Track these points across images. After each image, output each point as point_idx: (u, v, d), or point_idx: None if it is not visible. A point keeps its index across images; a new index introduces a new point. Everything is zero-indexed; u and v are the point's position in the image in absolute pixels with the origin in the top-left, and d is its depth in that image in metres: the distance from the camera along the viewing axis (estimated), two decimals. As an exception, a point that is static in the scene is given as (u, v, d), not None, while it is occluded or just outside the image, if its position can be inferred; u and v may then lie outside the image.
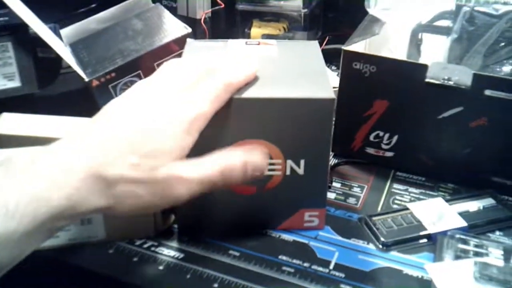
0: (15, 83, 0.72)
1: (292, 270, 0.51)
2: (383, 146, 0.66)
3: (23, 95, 0.73)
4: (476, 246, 0.51)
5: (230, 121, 0.50)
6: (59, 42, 0.75)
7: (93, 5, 0.99)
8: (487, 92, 0.58)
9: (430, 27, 0.70)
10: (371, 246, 0.54)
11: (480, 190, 0.61)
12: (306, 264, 0.52)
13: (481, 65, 0.64)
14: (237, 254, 0.53)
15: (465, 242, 0.52)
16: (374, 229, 0.55)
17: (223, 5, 0.93)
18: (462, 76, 0.58)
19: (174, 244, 0.54)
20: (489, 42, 0.64)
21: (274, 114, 0.50)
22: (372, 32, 0.69)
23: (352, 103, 0.65)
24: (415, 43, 0.71)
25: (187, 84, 0.45)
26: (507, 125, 0.59)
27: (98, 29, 0.79)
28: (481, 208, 0.58)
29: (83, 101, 0.68)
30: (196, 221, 0.56)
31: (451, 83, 0.59)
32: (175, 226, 0.56)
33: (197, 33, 0.88)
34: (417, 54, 0.71)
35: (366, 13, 0.72)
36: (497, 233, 0.56)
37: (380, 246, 0.54)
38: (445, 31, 0.68)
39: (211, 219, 0.55)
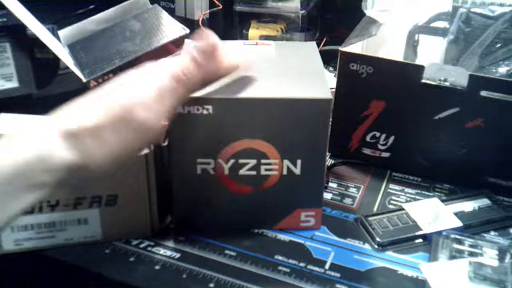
0: (13, 84, 0.73)
1: (288, 270, 0.51)
2: (380, 147, 0.66)
3: (21, 96, 0.73)
4: (471, 246, 0.51)
5: (228, 121, 0.50)
6: (57, 43, 0.76)
7: (91, 6, 1.00)
8: (483, 93, 0.58)
9: (426, 28, 0.71)
10: (366, 246, 0.54)
11: (476, 190, 0.61)
12: (302, 264, 0.52)
13: (477, 66, 0.65)
14: (233, 254, 0.53)
15: (460, 242, 0.52)
16: (370, 229, 0.55)
17: (221, 6, 0.93)
18: (458, 77, 0.59)
19: (171, 244, 0.54)
20: (485, 44, 0.64)
21: (271, 114, 0.50)
22: (369, 33, 0.69)
23: (349, 104, 0.65)
24: (412, 44, 0.72)
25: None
26: (503, 126, 0.59)
27: (96, 30, 0.79)
28: (476, 208, 0.58)
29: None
30: (193, 221, 0.56)
31: (447, 84, 0.59)
32: (172, 226, 0.56)
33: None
34: (413, 55, 0.72)
35: (364, 14, 0.72)
36: (492, 233, 0.56)
37: (376, 246, 0.54)
38: (442, 32, 0.69)
39: (207, 219, 0.56)
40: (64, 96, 0.45)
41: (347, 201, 0.61)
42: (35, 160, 0.39)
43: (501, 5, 0.64)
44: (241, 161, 0.52)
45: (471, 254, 0.50)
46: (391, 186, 0.64)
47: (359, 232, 0.56)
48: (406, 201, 0.61)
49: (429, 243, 0.53)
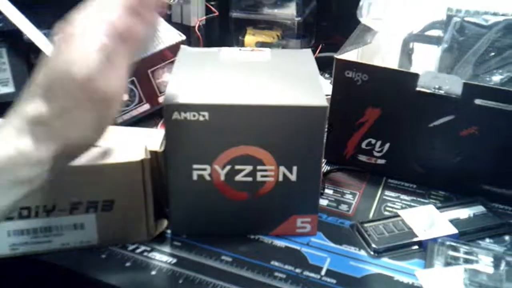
0: (9, 89, 0.73)
1: (284, 276, 0.51)
2: (375, 154, 0.66)
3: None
4: (466, 253, 0.52)
5: (224, 127, 0.50)
6: (53, 48, 0.76)
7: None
8: (477, 101, 0.58)
9: (421, 37, 0.71)
10: (362, 252, 0.54)
11: (471, 197, 0.62)
12: (298, 270, 0.52)
13: (471, 74, 0.65)
14: (229, 259, 0.53)
15: (455, 249, 0.52)
16: (366, 235, 0.56)
17: (217, 13, 0.94)
18: (453, 85, 0.59)
19: (167, 249, 0.54)
20: (479, 52, 0.65)
21: (267, 121, 0.50)
22: (364, 41, 0.69)
23: (344, 111, 0.65)
24: (407, 52, 0.72)
25: None
26: (497, 134, 0.59)
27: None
28: (472, 215, 0.59)
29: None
30: (189, 227, 0.56)
31: (442, 92, 0.60)
32: (168, 231, 0.56)
33: (191, 40, 0.89)
34: (408, 63, 0.72)
35: (359, 21, 0.73)
36: (487, 240, 0.56)
37: (372, 253, 0.54)
38: (436, 41, 0.69)
39: (203, 225, 0.56)
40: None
41: (343, 207, 0.61)
42: (15, 156, 0.39)
43: (495, 14, 0.65)
44: (237, 167, 0.52)
45: (467, 261, 0.51)
46: (387, 192, 0.64)
47: (355, 238, 0.56)
48: (402, 208, 0.61)
49: (425, 250, 0.54)
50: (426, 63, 0.70)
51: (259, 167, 0.52)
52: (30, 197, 0.48)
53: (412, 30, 0.71)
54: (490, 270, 0.50)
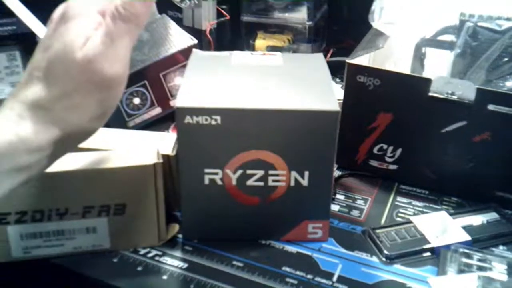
0: (22, 92, 0.73)
1: (296, 282, 0.51)
2: (387, 159, 0.66)
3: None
4: (479, 260, 0.51)
5: (236, 131, 0.50)
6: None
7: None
8: (491, 107, 0.58)
9: (433, 42, 0.71)
10: (374, 258, 0.54)
11: (484, 204, 0.61)
12: (309, 276, 0.52)
13: (484, 80, 0.65)
14: (240, 264, 0.53)
15: (468, 256, 0.52)
16: (378, 241, 0.55)
17: (228, 17, 0.94)
18: (466, 90, 0.59)
19: (178, 254, 0.54)
20: (492, 57, 0.65)
21: (279, 126, 0.50)
22: (376, 46, 0.69)
23: (356, 116, 0.65)
24: (419, 57, 0.72)
25: None
26: (510, 140, 0.59)
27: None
28: (485, 222, 0.58)
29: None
30: (200, 231, 0.56)
31: (454, 97, 0.59)
32: (179, 235, 0.56)
33: (202, 44, 0.89)
34: (420, 68, 0.72)
35: (370, 25, 0.73)
36: (501, 247, 0.56)
37: (384, 259, 0.54)
38: (449, 45, 0.69)
39: (214, 229, 0.56)
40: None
41: (355, 213, 0.61)
42: (16, 142, 0.38)
43: (508, 19, 0.64)
44: (249, 171, 0.52)
45: (480, 268, 0.50)
46: (399, 198, 0.64)
47: (367, 244, 0.56)
48: (414, 214, 0.61)
49: (437, 257, 0.53)
50: (438, 68, 0.69)
51: (270, 172, 0.52)
52: (43, 201, 0.49)
53: (425, 35, 0.71)
54: (504, 277, 0.49)
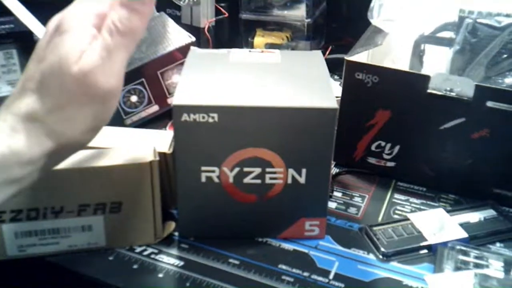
0: (19, 90, 0.73)
1: (292, 280, 0.51)
2: (385, 156, 0.66)
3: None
4: (476, 257, 0.51)
5: (233, 129, 0.50)
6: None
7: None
8: (489, 104, 0.58)
9: (432, 38, 0.71)
10: (371, 256, 0.54)
11: (481, 201, 0.61)
12: (306, 274, 0.51)
13: (483, 76, 0.64)
14: (237, 262, 0.53)
15: (465, 253, 0.52)
16: (375, 239, 0.55)
17: (226, 14, 0.93)
18: (464, 87, 0.59)
19: (174, 251, 0.54)
20: (491, 54, 0.64)
21: (276, 123, 0.50)
22: (375, 43, 0.69)
23: (354, 113, 0.65)
24: (418, 54, 0.72)
25: None
26: (509, 137, 0.59)
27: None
28: (482, 219, 0.58)
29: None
30: (197, 229, 0.56)
31: (453, 94, 0.59)
32: (175, 233, 0.56)
33: (200, 41, 0.89)
34: (419, 65, 0.72)
35: (369, 23, 0.72)
36: (498, 244, 0.56)
37: (380, 257, 0.54)
38: (448, 42, 0.69)
39: (211, 227, 0.55)
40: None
41: (352, 210, 0.61)
42: (8, 155, 0.38)
43: (508, 16, 0.64)
44: (246, 169, 0.52)
45: (477, 265, 0.50)
46: (396, 195, 0.64)
47: (364, 242, 0.56)
48: (411, 211, 0.61)
49: (434, 254, 0.53)
50: (437, 65, 0.69)
51: (268, 170, 0.52)
52: (38, 199, 0.49)
53: (424, 31, 0.71)
54: (501, 275, 0.49)
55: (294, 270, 0.52)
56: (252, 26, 0.96)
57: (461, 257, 0.51)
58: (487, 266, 0.50)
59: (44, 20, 0.74)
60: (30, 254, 0.52)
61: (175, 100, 0.50)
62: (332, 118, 0.50)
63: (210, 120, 0.50)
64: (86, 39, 0.39)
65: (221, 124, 0.50)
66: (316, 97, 0.51)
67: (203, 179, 0.52)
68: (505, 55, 0.64)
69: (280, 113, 0.50)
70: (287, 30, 0.95)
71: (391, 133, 0.64)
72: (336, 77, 0.89)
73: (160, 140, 0.56)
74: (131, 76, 0.72)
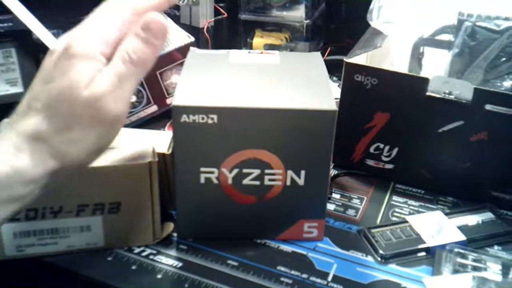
0: (18, 89, 0.73)
1: (290, 281, 0.51)
2: (383, 158, 0.66)
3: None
4: (474, 260, 0.51)
5: (232, 130, 0.50)
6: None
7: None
8: (488, 107, 0.58)
9: (431, 41, 0.71)
10: (369, 258, 0.54)
11: (480, 204, 0.61)
12: (304, 276, 0.52)
13: (482, 79, 0.65)
14: (235, 264, 0.53)
15: (463, 256, 0.52)
16: (373, 241, 0.55)
17: (225, 15, 0.93)
18: (463, 90, 0.59)
19: (173, 252, 0.54)
20: (490, 57, 0.64)
21: (276, 124, 0.50)
22: (374, 45, 0.69)
23: (353, 115, 0.65)
24: (417, 57, 0.72)
25: None
26: (507, 140, 0.59)
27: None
28: (480, 222, 0.58)
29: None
30: (195, 230, 0.56)
31: (452, 97, 0.59)
32: (174, 234, 0.56)
33: (199, 41, 0.88)
34: (418, 67, 0.72)
35: (368, 24, 0.72)
36: (496, 247, 0.56)
37: (379, 259, 0.54)
38: (447, 45, 0.69)
39: (210, 228, 0.55)
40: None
41: (350, 212, 0.61)
42: (11, 174, 0.38)
43: (507, 19, 0.64)
44: (245, 170, 0.52)
45: (475, 268, 0.50)
46: (395, 198, 0.64)
47: (362, 244, 0.56)
48: (410, 214, 0.61)
49: (433, 257, 0.53)
50: (436, 68, 0.69)
51: (267, 171, 0.52)
52: (37, 199, 0.49)
53: (423, 34, 0.71)
54: (499, 278, 0.49)
55: (292, 272, 0.52)
56: (251, 26, 0.96)
57: (459, 259, 0.51)
58: (485, 269, 0.50)
59: (43, 18, 0.74)
60: (28, 254, 0.52)
61: (175, 101, 0.50)
62: (331, 120, 0.50)
63: (210, 121, 0.50)
64: (96, 67, 0.40)
65: (220, 125, 0.50)
66: (316, 99, 0.51)
67: (202, 180, 0.52)
68: (503, 59, 0.64)
69: (279, 114, 0.50)
70: (286, 31, 0.95)
71: (389, 135, 0.64)
72: (335, 78, 0.89)
73: (159, 141, 0.56)
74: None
